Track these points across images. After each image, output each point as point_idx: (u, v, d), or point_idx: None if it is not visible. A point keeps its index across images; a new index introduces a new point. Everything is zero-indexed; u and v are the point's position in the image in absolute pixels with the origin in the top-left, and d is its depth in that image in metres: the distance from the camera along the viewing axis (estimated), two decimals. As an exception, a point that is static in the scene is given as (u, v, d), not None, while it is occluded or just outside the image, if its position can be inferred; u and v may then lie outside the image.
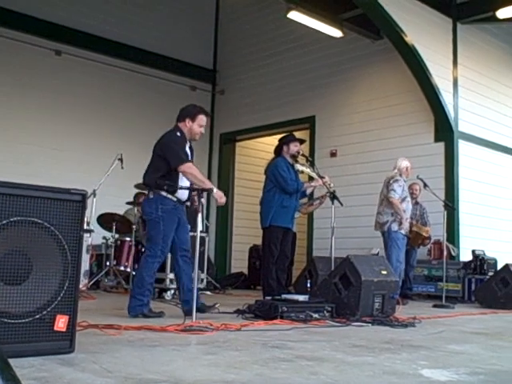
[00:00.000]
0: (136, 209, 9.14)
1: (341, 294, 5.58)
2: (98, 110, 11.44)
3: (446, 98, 9.49)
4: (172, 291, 7.33)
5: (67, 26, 11.12)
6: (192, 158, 5.25)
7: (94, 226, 8.44)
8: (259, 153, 12.68)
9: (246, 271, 11.22)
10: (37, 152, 10.43)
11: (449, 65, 9.80)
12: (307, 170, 7.33)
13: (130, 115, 11.87)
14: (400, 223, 7.68)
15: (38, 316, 2.91)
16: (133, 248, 8.62)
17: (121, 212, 9.24)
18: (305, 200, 8.28)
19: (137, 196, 9.57)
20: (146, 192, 9.12)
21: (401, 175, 7.92)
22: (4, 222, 2.85)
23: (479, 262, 8.82)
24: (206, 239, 7.89)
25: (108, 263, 8.59)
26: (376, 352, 3.55)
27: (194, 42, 13.13)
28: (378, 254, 8.82)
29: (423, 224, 8.80)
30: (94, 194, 7.98)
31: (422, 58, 9.21)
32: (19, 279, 2.88)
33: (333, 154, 10.93)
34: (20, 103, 10.56)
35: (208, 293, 8.49)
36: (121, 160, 8.37)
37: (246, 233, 12.07)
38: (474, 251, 9.00)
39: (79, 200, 3.10)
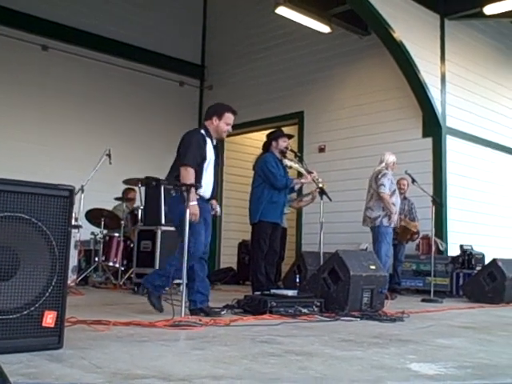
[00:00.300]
0: (124, 204, 9.12)
1: (330, 288, 5.60)
2: (86, 106, 11.38)
3: (434, 93, 9.52)
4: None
5: (54, 21, 11.03)
6: (218, 156, 5.21)
7: (83, 221, 8.41)
8: (248, 148, 12.67)
9: (235, 266, 11.22)
10: (24, 148, 10.36)
11: (436, 61, 9.83)
12: (296, 166, 7.33)
13: (117, 110, 11.82)
14: (389, 218, 7.71)
15: (25, 312, 2.90)
16: (121, 244, 8.61)
17: (109, 208, 9.21)
18: (294, 195, 8.30)
19: (125, 192, 9.55)
20: (134, 188, 9.23)
21: (387, 169, 7.94)
22: (-9, 217, 2.83)
23: (467, 257, 8.87)
24: (195, 235, 7.88)
25: (96, 259, 8.57)
26: (364, 346, 3.57)
27: (182, 37, 13.09)
28: (366, 249, 8.85)
29: (411, 219, 8.84)
30: (82, 189, 7.95)
31: (410, 53, 9.24)
32: (6, 275, 2.86)
33: (321, 150, 10.95)
34: (6, 99, 10.47)
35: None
36: (109, 155, 8.33)
37: (235, 228, 12.07)
38: (461, 246, 9.05)
39: (67, 195, 3.09)
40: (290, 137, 7.40)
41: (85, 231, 8.51)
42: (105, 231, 8.79)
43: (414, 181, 8.03)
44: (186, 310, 4.62)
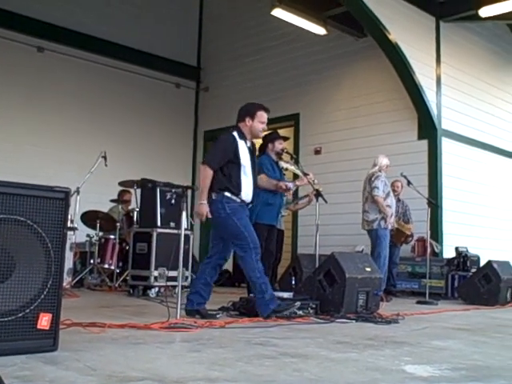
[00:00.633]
0: (120, 206, 9.12)
1: (325, 290, 5.60)
2: (81, 108, 11.36)
3: (429, 95, 9.54)
4: (156, 289, 7.31)
5: (50, 23, 11.02)
6: (253, 157, 5.12)
7: (78, 223, 8.38)
8: (244, 150, 12.66)
9: (230, 269, 11.21)
10: (19, 149, 10.34)
11: (432, 63, 9.85)
12: (292, 168, 7.33)
13: (113, 112, 11.81)
14: (386, 220, 7.72)
15: (20, 314, 2.89)
16: (117, 246, 8.60)
17: (105, 210, 9.20)
18: (290, 198, 8.30)
19: (121, 194, 9.55)
20: (129, 190, 9.22)
21: (380, 171, 7.96)
22: (-14, 219, 2.83)
23: (462, 259, 8.88)
24: (191, 237, 7.88)
25: (92, 261, 8.55)
26: (360, 348, 3.57)
27: (178, 39, 13.09)
28: (362, 251, 8.85)
29: (406, 221, 8.86)
30: (77, 191, 7.94)
31: (406, 55, 9.25)
32: (1, 277, 2.86)
33: (317, 152, 10.96)
34: (1, 100, 10.45)
35: (192, 290, 8.46)
36: (104, 158, 8.33)
37: (231, 230, 12.06)
38: (457, 248, 9.07)
39: (62, 198, 3.09)
40: (285, 139, 7.41)
41: (80, 233, 8.49)
42: (100, 233, 8.77)
43: (409, 183, 8.05)
44: (182, 312, 4.61)
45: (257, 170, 5.23)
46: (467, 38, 10.61)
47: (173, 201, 7.48)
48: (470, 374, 2.83)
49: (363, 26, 9.99)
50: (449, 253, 9.21)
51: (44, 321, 2.95)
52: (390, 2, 9.36)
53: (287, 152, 7.27)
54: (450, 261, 8.97)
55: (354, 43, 10.65)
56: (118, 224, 8.64)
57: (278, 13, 9.76)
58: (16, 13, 10.64)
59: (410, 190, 8.21)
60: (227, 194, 4.89)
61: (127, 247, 8.45)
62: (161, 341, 3.57)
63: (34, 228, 2.96)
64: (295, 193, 8.63)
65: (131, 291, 7.44)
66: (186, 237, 7.20)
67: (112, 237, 8.66)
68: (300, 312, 5.18)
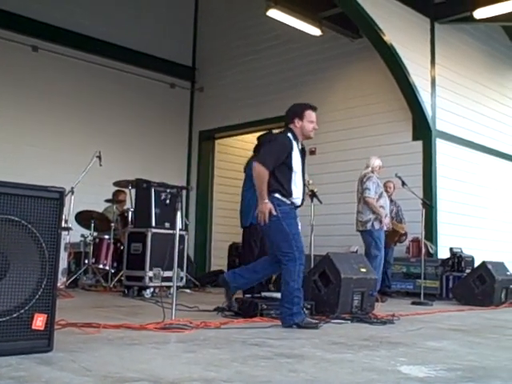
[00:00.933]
0: (115, 206, 9.10)
1: (320, 291, 5.61)
2: (76, 107, 11.33)
3: (424, 96, 9.56)
4: (151, 289, 7.29)
5: (45, 22, 10.98)
6: (304, 159, 4.98)
7: (73, 223, 8.36)
8: (238, 150, 12.68)
9: (225, 269, 11.18)
10: (13, 149, 10.30)
11: (427, 64, 9.87)
12: (286, 168, 7.32)
13: (108, 112, 11.79)
14: (380, 221, 7.72)
15: (15, 315, 2.88)
16: (111, 246, 8.58)
17: (99, 210, 9.18)
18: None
19: (115, 194, 9.53)
20: (124, 190, 9.19)
21: (373, 172, 7.98)
22: (-19, 219, 2.82)
23: (457, 260, 8.90)
24: (186, 237, 7.86)
25: (86, 261, 8.53)
26: (355, 349, 3.57)
27: (173, 39, 13.07)
28: (357, 251, 8.86)
29: (398, 221, 8.87)
30: (72, 191, 7.91)
31: (400, 56, 9.27)
32: (-4, 277, 2.85)
33: (312, 152, 10.94)
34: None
35: (187, 291, 8.47)
36: (99, 157, 8.30)
37: (226, 231, 12.06)
38: (451, 249, 9.08)
39: (57, 197, 3.08)
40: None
41: (75, 233, 8.46)
42: (95, 233, 8.75)
43: (403, 184, 8.06)
44: (177, 313, 4.60)
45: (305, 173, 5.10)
46: (462, 40, 10.64)
47: (167, 201, 7.46)
48: (466, 375, 2.83)
49: (358, 27, 9.99)
50: (443, 253, 9.22)
51: (39, 321, 2.94)
52: (385, 3, 9.38)
53: (282, 152, 7.27)
54: (444, 261, 8.99)
55: (349, 44, 10.66)
56: (112, 224, 8.62)
57: (274, 13, 9.76)
58: (10, 12, 10.60)
59: (405, 191, 8.23)
60: (278, 195, 4.77)
61: (122, 247, 8.43)
62: (156, 341, 3.56)
63: (28, 228, 2.95)
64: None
65: (126, 291, 7.42)
66: (181, 237, 7.19)
67: (106, 237, 8.64)
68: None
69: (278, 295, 5.46)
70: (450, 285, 8.74)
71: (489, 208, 10.65)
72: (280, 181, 4.78)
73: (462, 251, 9.09)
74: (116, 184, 9.03)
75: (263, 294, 5.65)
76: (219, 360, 3.01)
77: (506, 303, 7.80)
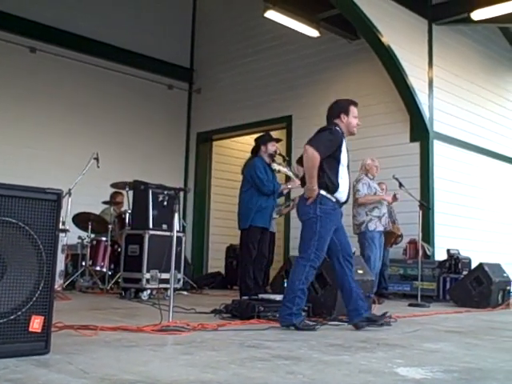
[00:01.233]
0: (112, 208, 9.09)
1: (317, 293, 5.61)
2: (74, 109, 11.33)
3: (422, 98, 9.57)
4: (148, 291, 7.29)
5: (43, 23, 10.99)
6: (348, 156, 4.95)
7: (70, 225, 8.36)
8: (236, 152, 12.68)
9: (222, 271, 11.20)
10: (10, 151, 10.27)
11: (424, 65, 9.89)
12: (284, 170, 7.35)
13: (105, 114, 11.78)
14: (380, 220, 7.73)
15: (12, 317, 2.87)
16: (109, 248, 8.57)
17: (97, 211, 9.17)
18: (282, 200, 8.32)
19: (113, 195, 9.52)
20: (122, 191, 9.20)
21: (367, 175, 7.99)
22: (-22, 221, 2.81)
23: (454, 261, 8.90)
24: (183, 239, 7.86)
25: (84, 263, 8.52)
26: (352, 351, 3.58)
27: (171, 41, 13.08)
28: (354, 253, 8.84)
29: (392, 222, 8.87)
30: (69, 193, 7.90)
31: (398, 58, 9.28)
32: (-7, 280, 2.84)
33: (310, 154, 10.95)
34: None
35: (185, 293, 8.46)
36: (96, 159, 8.29)
37: (223, 232, 12.06)
38: (448, 250, 9.09)
39: (54, 199, 3.07)
40: (277, 140, 7.42)
41: (72, 235, 8.47)
42: (92, 235, 8.75)
43: (401, 185, 8.07)
44: (174, 315, 4.59)
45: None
46: (459, 41, 10.65)
47: (165, 203, 7.46)
48: (462, 377, 2.84)
49: (356, 29, 10.01)
50: (440, 255, 9.23)
51: (36, 323, 2.94)
52: (383, 4, 9.39)
53: (280, 154, 7.30)
54: (441, 263, 8.99)
55: (346, 46, 10.67)
56: (109, 226, 8.61)
57: (271, 15, 9.78)
58: (8, 13, 10.60)
59: (402, 193, 8.23)
60: (323, 192, 4.69)
61: (119, 249, 8.41)
62: (153, 343, 3.56)
63: (25, 230, 2.95)
64: (287, 195, 8.64)
65: (123, 294, 7.42)
66: (179, 239, 7.20)
67: (104, 239, 8.63)
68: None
69: (276, 297, 5.47)
70: (447, 286, 8.74)
71: (486, 210, 10.66)
72: (327, 173, 4.71)
73: (459, 253, 9.10)
74: (113, 186, 9.03)
75: (260, 295, 5.65)
76: (216, 362, 3.01)
77: (502, 305, 7.82)
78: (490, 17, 9.45)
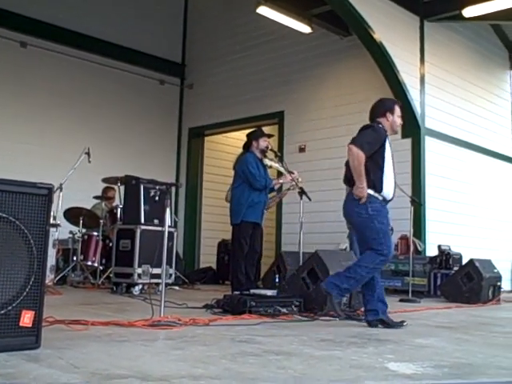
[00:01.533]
0: (104, 203, 9.07)
1: (309, 288, 5.62)
2: (64, 103, 11.27)
3: (413, 94, 9.59)
4: (140, 286, 7.28)
5: (33, 18, 10.91)
6: (392, 154, 4.93)
7: (61, 220, 8.34)
8: (228, 147, 12.67)
9: (214, 266, 11.21)
10: (1, 146, 10.23)
11: (416, 62, 9.90)
12: (276, 165, 7.36)
13: (97, 108, 11.74)
14: None
15: (3, 311, 2.86)
16: (100, 243, 8.55)
17: (88, 206, 9.15)
18: (273, 194, 8.32)
19: (104, 190, 9.50)
20: (113, 186, 9.18)
21: None
22: (-32, 216, 2.80)
23: (445, 257, 8.94)
24: (175, 234, 7.85)
25: (75, 258, 8.50)
26: (343, 346, 3.59)
27: (163, 36, 13.03)
28: (346, 248, 8.88)
29: None
30: (60, 188, 7.88)
31: (390, 54, 9.29)
32: (-17, 274, 2.83)
33: (301, 149, 10.97)
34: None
35: (176, 288, 8.46)
36: (88, 154, 8.27)
37: (215, 228, 12.05)
38: (439, 246, 9.13)
39: (45, 194, 3.06)
40: (269, 136, 7.43)
41: (63, 230, 8.43)
42: (83, 230, 8.73)
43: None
44: (166, 310, 4.59)
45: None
46: (451, 38, 10.68)
47: (157, 198, 7.44)
48: (453, 372, 2.85)
49: (348, 25, 10.01)
50: (431, 251, 9.26)
51: (26, 318, 2.93)
52: (375, 1, 9.39)
53: (272, 149, 7.30)
54: (432, 259, 9.02)
55: (338, 42, 10.67)
56: (101, 221, 8.59)
57: (263, 11, 9.76)
58: (-2, 7, 10.54)
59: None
60: (370, 191, 4.67)
61: (110, 244, 8.40)
62: (144, 338, 3.56)
63: (16, 224, 2.94)
64: (279, 190, 8.64)
65: (114, 288, 7.40)
66: (170, 234, 7.18)
67: (95, 234, 8.62)
68: (284, 310, 5.19)
69: (268, 292, 5.48)
70: (438, 282, 8.78)
71: (477, 206, 10.71)
72: (373, 172, 4.71)
73: (450, 249, 9.14)
74: (105, 181, 9.01)
75: (252, 290, 5.65)
76: (207, 357, 3.01)
77: (493, 300, 7.85)
78: (481, 14, 9.49)
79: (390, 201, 4.87)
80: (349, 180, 4.88)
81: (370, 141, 4.72)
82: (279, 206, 10.89)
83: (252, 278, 7.04)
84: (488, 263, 8.18)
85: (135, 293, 7.16)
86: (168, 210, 4.87)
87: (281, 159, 7.57)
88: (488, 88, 11.47)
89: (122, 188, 8.18)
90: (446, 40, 10.57)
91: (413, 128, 9.61)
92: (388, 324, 4.65)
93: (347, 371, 2.78)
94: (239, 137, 10.97)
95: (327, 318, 5.08)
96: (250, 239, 6.96)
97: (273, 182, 7.24)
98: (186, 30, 13.63)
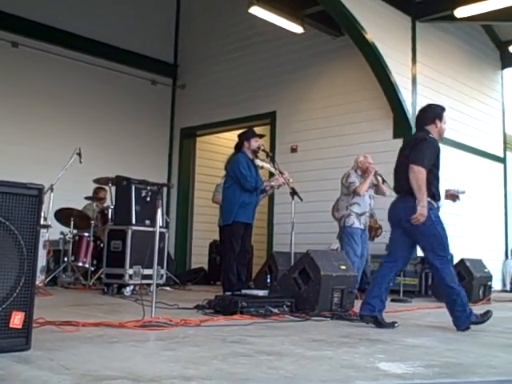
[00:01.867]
0: (95, 204, 9.04)
1: (300, 288, 5.62)
2: (56, 104, 11.23)
3: (405, 95, 9.60)
4: (131, 287, 7.26)
5: (24, 17, 10.86)
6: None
7: (52, 221, 8.30)
8: (220, 148, 12.65)
9: (206, 267, 11.20)
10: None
11: (408, 62, 9.92)
12: (267, 166, 7.35)
13: (88, 109, 11.69)
14: (358, 215, 7.76)
15: (-8, 313, 2.85)
16: (91, 244, 8.53)
17: (79, 207, 9.12)
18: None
19: (95, 191, 9.47)
20: (104, 187, 9.15)
21: (356, 171, 8.02)
22: (-43, 216, 2.78)
23: (436, 257, 8.94)
24: (166, 235, 7.84)
25: (66, 259, 8.46)
26: (334, 346, 3.59)
27: (155, 36, 13.01)
28: (337, 249, 8.88)
29: (370, 216, 8.89)
30: (51, 188, 7.86)
31: (382, 55, 9.30)
32: (-27, 275, 2.82)
33: (293, 150, 10.98)
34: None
35: (168, 288, 8.44)
36: (79, 154, 8.25)
37: (207, 228, 12.03)
38: (430, 246, 9.13)
39: (36, 194, 3.05)
40: (261, 136, 7.42)
41: (54, 231, 8.40)
42: (74, 231, 8.69)
43: (384, 181, 8.10)
44: (157, 310, 4.58)
45: None
46: (443, 38, 10.71)
47: (148, 198, 7.43)
48: (444, 371, 2.86)
49: (340, 25, 10.02)
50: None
51: (16, 319, 2.92)
52: (367, 1, 9.40)
53: (263, 150, 7.29)
54: (423, 259, 9.02)
55: (330, 42, 10.68)
56: (92, 221, 8.56)
57: (255, 11, 9.76)
58: (-11, 6, 10.49)
59: (385, 188, 8.25)
60: (429, 199, 4.77)
61: (102, 245, 8.38)
62: (135, 339, 3.55)
63: (6, 225, 2.93)
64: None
65: (105, 289, 7.38)
66: (162, 234, 7.18)
67: (86, 234, 8.59)
68: (275, 310, 5.19)
69: (259, 292, 5.48)
70: (429, 282, 8.80)
71: (469, 206, 10.73)
72: (431, 183, 4.79)
73: (441, 249, 9.14)
74: (96, 181, 8.98)
75: (243, 291, 5.65)
76: (199, 358, 3.01)
77: (483, 300, 7.88)
78: (473, 14, 9.52)
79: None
80: (404, 189, 4.92)
81: (430, 156, 4.80)
82: (271, 206, 10.90)
83: (243, 278, 7.03)
84: (479, 263, 8.21)
85: (126, 294, 7.14)
86: (159, 211, 4.87)
87: (272, 160, 7.56)
88: (479, 88, 11.51)
89: (114, 189, 8.16)
90: (438, 40, 10.60)
91: (404, 128, 9.61)
92: (381, 324, 4.67)
93: (338, 371, 2.78)
94: (231, 137, 10.95)
95: (319, 318, 5.09)
96: (242, 240, 6.95)
97: (264, 184, 7.23)
98: (178, 30, 13.61)
